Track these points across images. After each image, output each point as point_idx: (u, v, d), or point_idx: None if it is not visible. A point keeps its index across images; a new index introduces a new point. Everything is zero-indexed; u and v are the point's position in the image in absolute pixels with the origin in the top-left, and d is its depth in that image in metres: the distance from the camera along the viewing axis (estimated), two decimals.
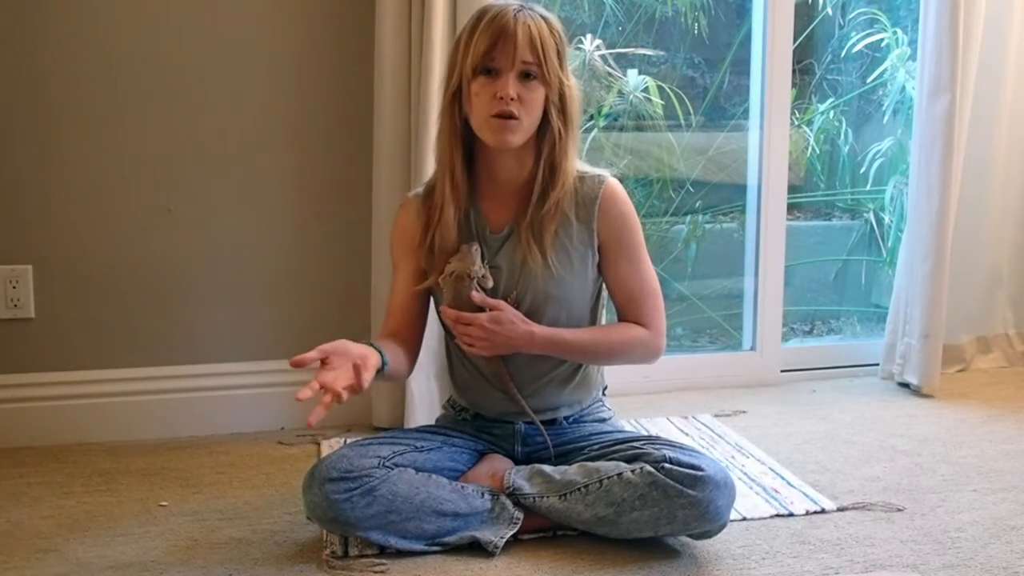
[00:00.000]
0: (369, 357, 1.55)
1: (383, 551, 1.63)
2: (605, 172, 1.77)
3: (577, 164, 1.75)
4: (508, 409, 1.80)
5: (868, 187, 3.07)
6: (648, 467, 1.59)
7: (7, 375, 2.18)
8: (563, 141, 1.69)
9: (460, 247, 1.72)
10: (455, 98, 1.70)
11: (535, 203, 1.70)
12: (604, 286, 1.81)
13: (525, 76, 1.65)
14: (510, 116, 1.64)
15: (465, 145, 1.73)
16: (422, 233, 1.75)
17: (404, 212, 1.81)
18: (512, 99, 1.63)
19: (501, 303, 1.69)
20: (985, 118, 2.66)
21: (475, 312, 1.69)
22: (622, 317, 1.78)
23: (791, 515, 1.80)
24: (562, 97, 1.69)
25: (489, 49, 1.63)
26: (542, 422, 1.79)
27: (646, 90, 2.81)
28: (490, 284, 1.72)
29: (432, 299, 1.83)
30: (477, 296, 1.69)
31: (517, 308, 1.71)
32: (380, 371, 1.60)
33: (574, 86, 1.71)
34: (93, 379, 2.22)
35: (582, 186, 1.74)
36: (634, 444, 1.69)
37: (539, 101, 1.67)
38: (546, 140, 1.70)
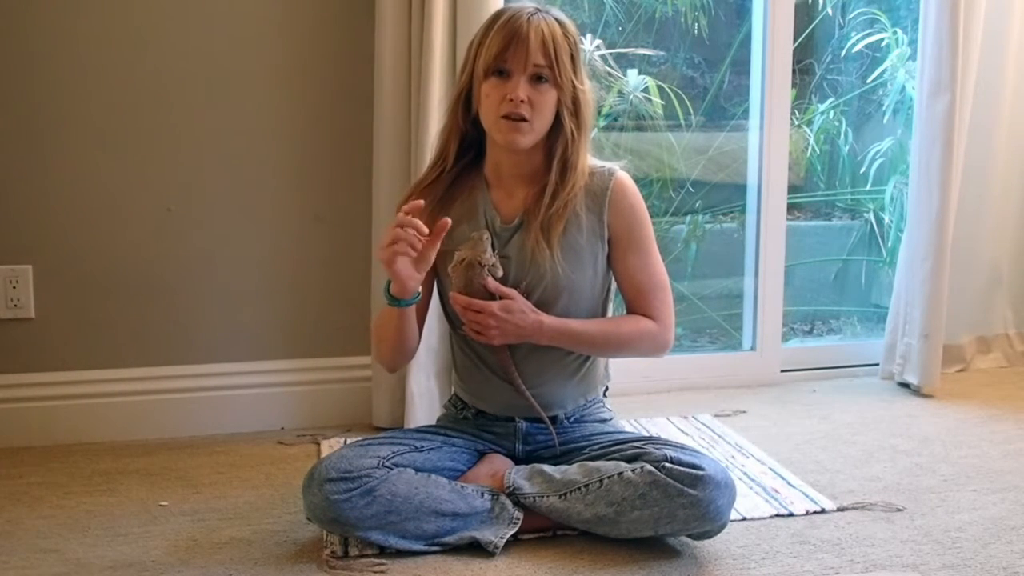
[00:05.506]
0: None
1: (383, 551, 1.63)
2: (615, 165, 1.78)
3: (588, 160, 1.76)
4: (512, 402, 1.79)
5: (868, 187, 3.07)
6: (648, 466, 1.59)
7: (7, 375, 2.18)
8: (575, 144, 1.70)
9: (471, 235, 1.72)
10: (464, 97, 1.71)
11: (546, 204, 1.70)
12: (613, 279, 1.81)
13: (537, 79, 1.66)
14: (520, 119, 1.65)
15: (474, 140, 1.76)
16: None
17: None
18: (522, 101, 1.64)
19: (512, 291, 1.70)
20: (985, 118, 2.65)
21: (485, 300, 1.69)
22: (631, 310, 1.79)
23: (791, 515, 1.80)
24: (575, 101, 1.70)
25: (501, 51, 1.64)
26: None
27: (646, 90, 2.81)
28: (500, 273, 1.71)
29: (437, 288, 1.83)
30: (491, 283, 1.69)
31: (527, 299, 1.71)
32: (408, 303, 1.66)
33: (588, 90, 1.72)
34: (93, 379, 2.22)
35: (592, 179, 1.75)
36: (635, 444, 1.69)
37: (550, 104, 1.68)
38: (559, 142, 1.70)
